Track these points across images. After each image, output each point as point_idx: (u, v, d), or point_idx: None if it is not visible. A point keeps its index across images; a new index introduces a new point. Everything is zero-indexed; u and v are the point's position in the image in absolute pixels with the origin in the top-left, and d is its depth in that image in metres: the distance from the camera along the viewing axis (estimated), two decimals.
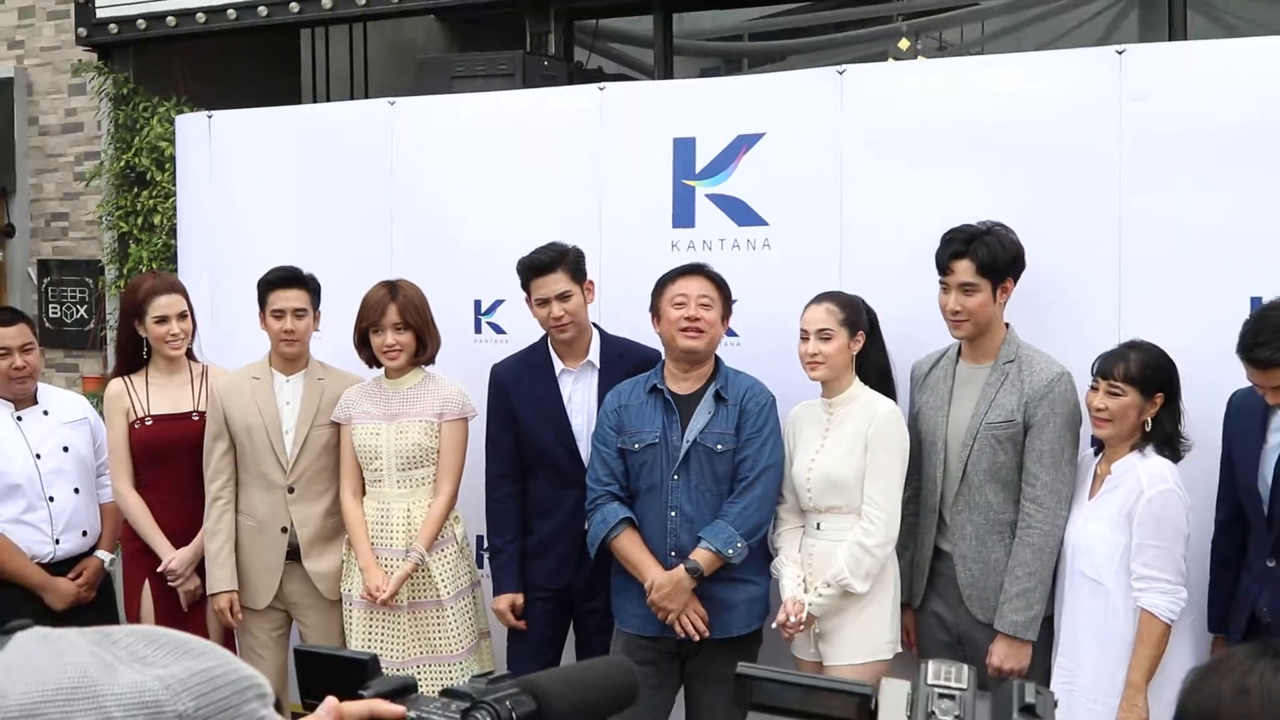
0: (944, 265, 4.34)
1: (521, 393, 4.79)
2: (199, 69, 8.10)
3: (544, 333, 4.84)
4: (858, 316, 4.44)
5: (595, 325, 4.87)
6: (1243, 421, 4.10)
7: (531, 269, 4.71)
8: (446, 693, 1.58)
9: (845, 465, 4.36)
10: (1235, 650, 1.60)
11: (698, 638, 4.38)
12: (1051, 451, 4.22)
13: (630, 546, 4.47)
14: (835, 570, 4.29)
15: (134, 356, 5.13)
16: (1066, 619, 4.21)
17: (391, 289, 4.82)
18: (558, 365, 4.81)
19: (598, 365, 4.82)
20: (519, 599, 4.78)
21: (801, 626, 4.32)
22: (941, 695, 1.56)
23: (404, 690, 1.59)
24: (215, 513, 4.94)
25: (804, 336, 4.42)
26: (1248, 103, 4.38)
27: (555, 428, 4.77)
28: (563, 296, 4.67)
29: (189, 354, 5.20)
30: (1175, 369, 4.11)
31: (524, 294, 4.78)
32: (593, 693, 1.69)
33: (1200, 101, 4.44)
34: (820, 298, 4.48)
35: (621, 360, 4.81)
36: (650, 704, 4.49)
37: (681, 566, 4.34)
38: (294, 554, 4.95)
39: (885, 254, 4.79)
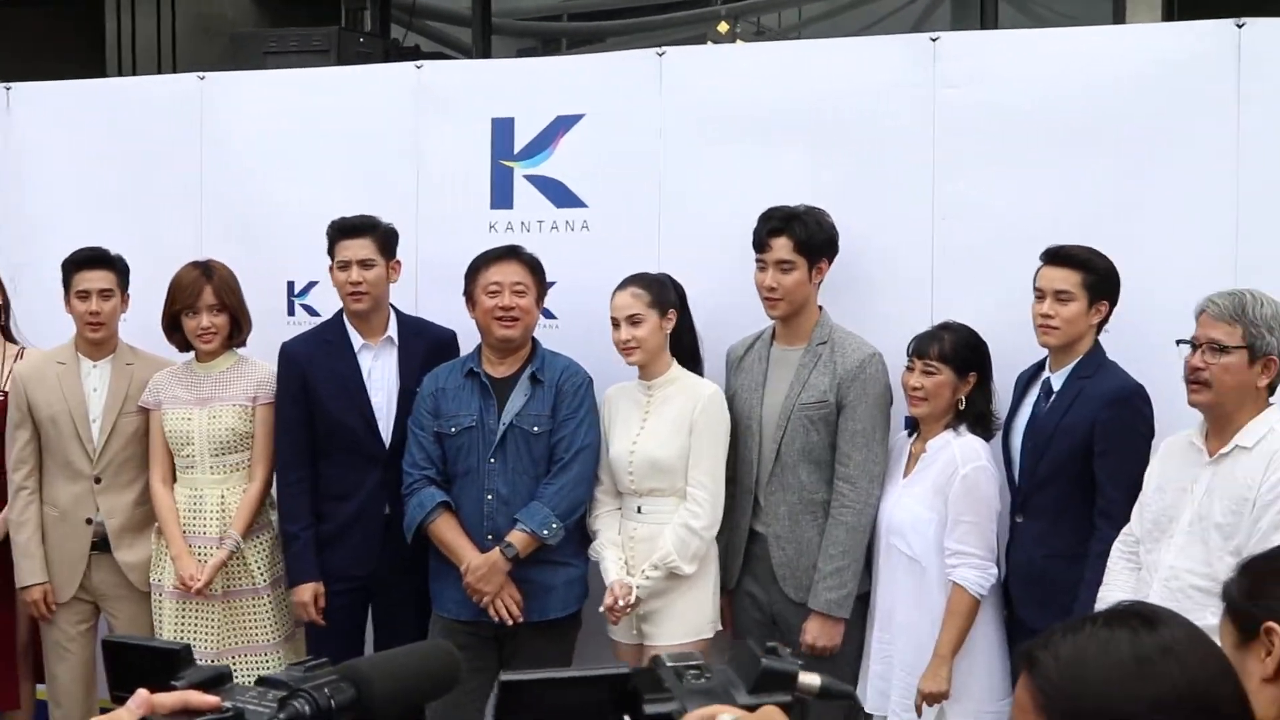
0: (761, 242, 4.42)
1: (317, 369, 4.75)
2: None
3: (339, 310, 4.84)
4: (665, 295, 4.49)
5: (392, 305, 4.89)
6: (1013, 394, 4.35)
7: (340, 230, 4.73)
8: (263, 681, 1.56)
9: (668, 448, 4.42)
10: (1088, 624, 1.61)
11: (510, 622, 4.43)
12: (864, 431, 4.34)
13: (447, 531, 4.50)
14: (663, 553, 4.36)
15: None
16: (882, 595, 4.35)
17: (205, 270, 4.77)
18: (356, 340, 4.79)
19: (397, 341, 4.82)
20: (320, 588, 4.73)
21: (629, 610, 4.39)
22: (687, 667, 1.63)
23: (218, 680, 1.56)
24: (20, 503, 4.88)
25: (615, 324, 4.47)
26: (1055, 90, 4.56)
27: (355, 404, 4.74)
28: (365, 264, 4.67)
29: (5, 333, 5.13)
30: (987, 349, 4.27)
31: (329, 261, 4.78)
32: (414, 678, 1.69)
33: (1010, 89, 4.60)
34: (625, 283, 4.52)
35: (419, 338, 4.85)
36: (468, 689, 4.20)
37: (497, 549, 4.39)
38: (102, 544, 4.89)
39: (704, 236, 4.87)
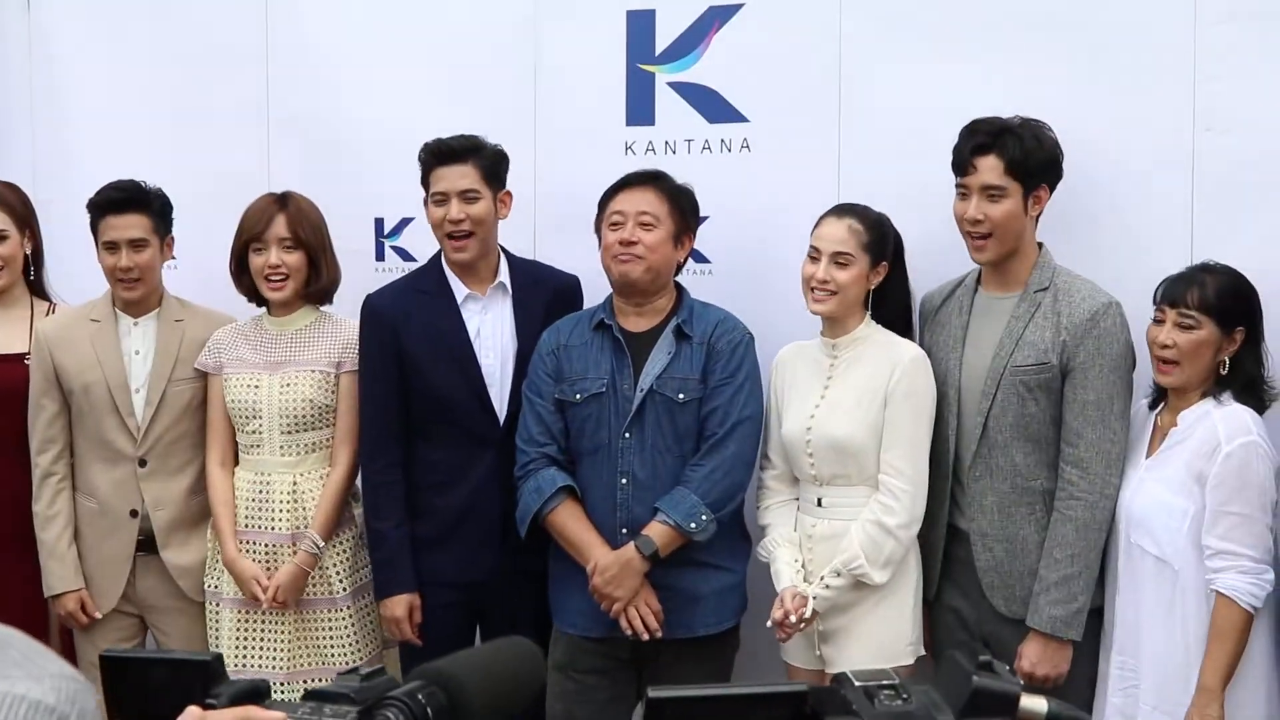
0: (963, 164, 4.19)
1: (412, 326, 4.56)
2: None
3: (436, 253, 4.69)
4: (884, 242, 4.30)
5: (502, 247, 4.72)
6: None
7: (435, 155, 4.56)
8: (312, 695, 1.57)
9: (855, 423, 4.19)
10: None
11: (646, 636, 4.23)
12: (1098, 402, 4.07)
13: (570, 522, 4.30)
14: (848, 555, 4.13)
15: None
16: (1122, 606, 4.08)
17: (280, 200, 4.68)
18: (459, 290, 4.59)
19: (510, 290, 4.65)
20: (417, 600, 4.55)
21: (802, 625, 4.14)
22: (880, 687, 1.62)
23: (255, 694, 1.59)
24: (48, 494, 4.73)
25: (813, 256, 4.25)
26: None
27: (461, 370, 4.54)
28: (468, 196, 4.49)
29: (34, 287, 5.04)
30: (1258, 298, 3.98)
31: (423, 193, 4.64)
32: (504, 680, 1.73)
33: None
34: (841, 210, 4.32)
35: (537, 287, 4.68)
36: None
37: (632, 544, 4.19)
38: (148, 544, 4.73)
39: (895, 159, 4.64)
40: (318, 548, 4.57)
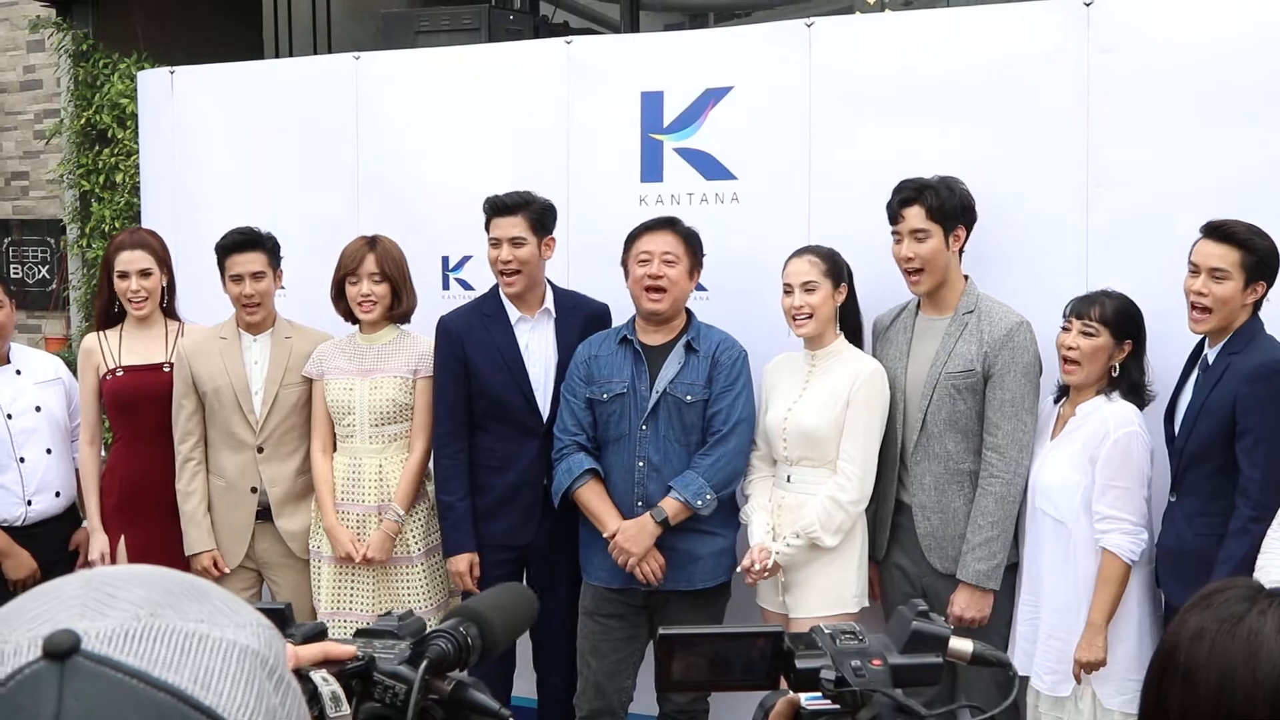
0: (895, 214, 4.51)
1: (475, 341, 4.84)
2: (159, 23, 8.15)
3: (496, 283, 4.92)
4: (839, 269, 4.58)
5: (548, 280, 4.97)
6: (1181, 371, 4.33)
7: (494, 208, 4.82)
8: (362, 633, 1.68)
9: (821, 418, 4.49)
10: (1231, 584, 1.63)
11: (654, 582, 4.53)
12: (1013, 400, 4.37)
13: (593, 498, 4.61)
14: (805, 522, 4.44)
15: (107, 311, 5.27)
16: (1028, 558, 4.39)
17: (370, 241, 4.94)
18: (513, 313, 4.88)
19: (554, 314, 4.91)
20: (476, 558, 4.84)
21: (765, 574, 4.47)
22: (842, 631, 1.75)
23: (321, 634, 1.64)
24: (187, 474, 5.07)
25: (787, 290, 4.55)
26: (1213, 54, 4.52)
27: (513, 375, 4.83)
28: (516, 242, 4.76)
29: (168, 311, 5.32)
30: (1143, 320, 4.28)
31: (485, 235, 4.89)
32: (513, 615, 1.87)
33: (1168, 53, 4.58)
34: (801, 251, 4.61)
35: (575, 311, 4.93)
36: (621, 655, 4.71)
37: (648, 513, 4.49)
38: (265, 514, 5.09)
39: (854, 208, 4.89)
40: (399, 516, 4.81)
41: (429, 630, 1.72)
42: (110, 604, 0.92)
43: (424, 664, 1.65)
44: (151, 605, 0.93)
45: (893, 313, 4.74)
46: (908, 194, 4.49)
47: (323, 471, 4.96)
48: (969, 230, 4.55)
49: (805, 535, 4.44)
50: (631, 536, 4.50)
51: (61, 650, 0.85)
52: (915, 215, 4.47)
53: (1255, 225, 4.09)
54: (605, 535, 4.56)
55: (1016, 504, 4.40)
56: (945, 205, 4.46)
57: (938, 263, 4.48)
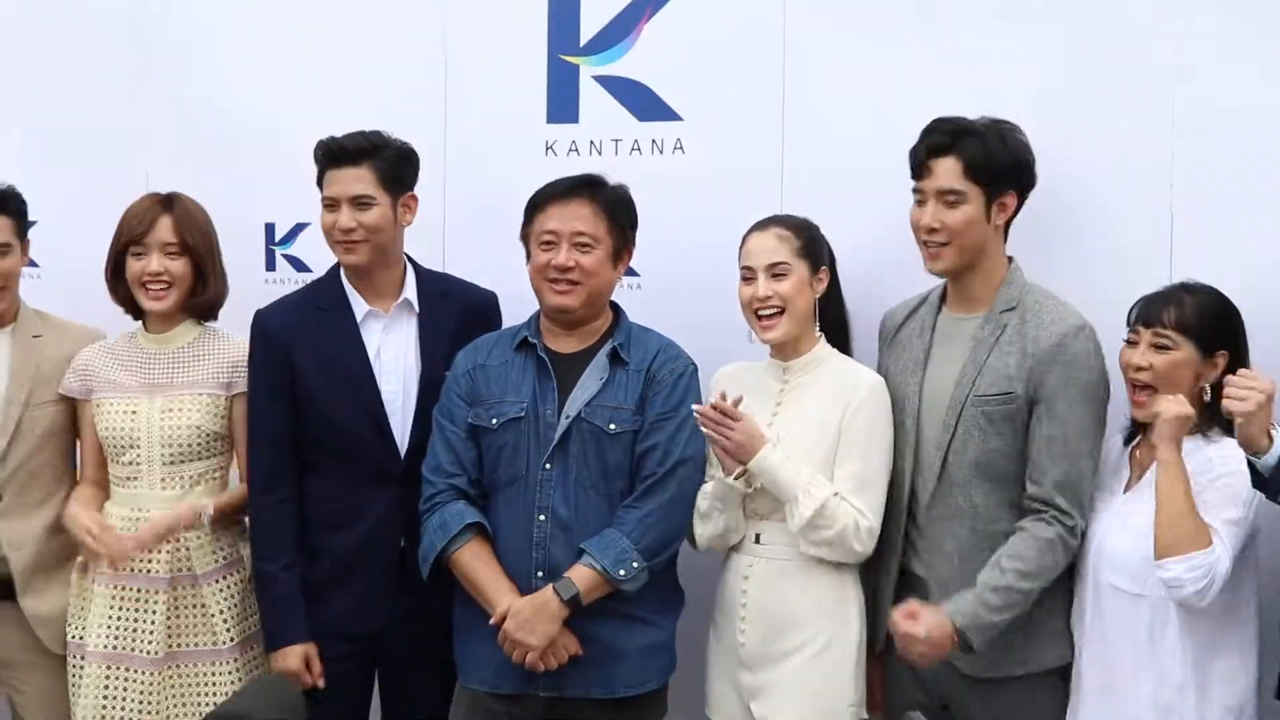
0: (919, 166, 4.06)
1: (305, 347, 4.36)
2: None
3: (334, 265, 4.52)
4: (818, 246, 4.15)
5: (408, 257, 4.56)
6: None
7: (329, 155, 4.39)
8: None
9: (806, 457, 4.00)
10: None
11: (554, 665, 4.06)
12: (1065, 437, 3.89)
13: (477, 564, 4.09)
14: (827, 497, 3.94)
15: None
16: (1093, 655, 3.93)
17: (165, 200, 4.47)
18: (359, 307, 4.41)
19: (417, 307, 4.47)
20: (313, 649, 4.32)
21: (735, 406, 3.95)
22: None
23: None
24: None
25: (747, 276, 4.13)
26: None
27: (359, 396, 4.34)
28: (360, 202, 4.31)
29: None
30: (1241, 320, 3.88)
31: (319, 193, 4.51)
32: (284, 710, 2.06)
33: None
34: (764, 222, 4.19)
35: (446, 300, 4.51)
36: None
37: (550, 587, 3.99)
38: (4, 589, 4.50)
39: (846, 160, 4.58)
40: (207, 515, 4.33)
41: None
42: None
43: None
44: None
45: (907, 307, 4.28)
46: (940, 139, 4.00)
47: (84, 492, 4.47)
48: (1022, 199, 4.07)
49: (819, 501, 3.90)
50: (525, 621, 3.95)
51: None
52: (948, 170, 3.96)
53: None
54: (493, 620, 4.02)
55: (1061, 566, 3.88)
56: (993, 160, 3.96)
57: (971, 237, 3.98)
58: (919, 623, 3.79)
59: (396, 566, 4.30)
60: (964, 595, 3.85)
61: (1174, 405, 3.65)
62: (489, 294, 4.57)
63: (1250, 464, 3.62)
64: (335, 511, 4.36)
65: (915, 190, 4.05)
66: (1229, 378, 3.67)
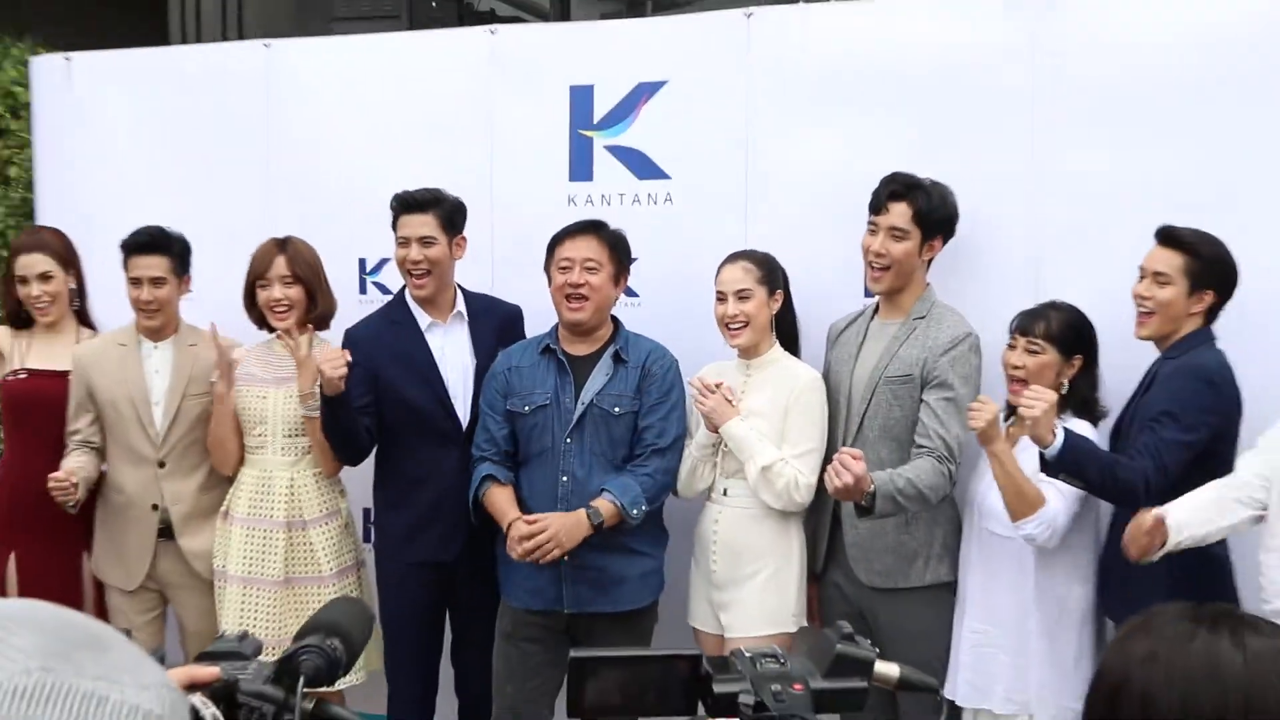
0: (879, 204, 4.48)
1: (385, 351, 4.84)
2: (53, 7, 8.03)
3: (401, 288, 4.91)
4: (774, 274, 4.60)
5: (458, 284, 4.98)
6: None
7: (402, 205, 4.83)
8: (205, 656, 1.82)
9: (759, 430, 4.51)
10: (1164, 609, 1.67)
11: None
12: (945, 409, 4.35)
13: (493, 499, 4.61)
14: (774, 456, 4.45)
15: (17, 314, 5.24)
16: (976, 585, 4.40)
17: (280, 243, 4.92)
18: (422, 319, 4.89)
19: (467, 318, 4.93)
20: (346, 354, 4.69)
21: (707, 392, 4.49)
22: (762, 654, 1.79)
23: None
24: (74, 449, 5.06)
25: (721, 298, 4.57)
26: (1160, 55, 4.53)
27: (429, 384, 4.84)
28: (425, 241, 4.79)
29: (82, 318, 5.30)
30: (1094, 332, 4.31)
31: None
32: (364, 623, 2.00)
33: (1120, 54, 4.59)
34: (734, 257, 4.62)
35: (488, 314, 4.96)
36: (539, 680, 4.71)
37: (582, 510, 4.47)
38: (166, 532, 5.03)
39: (794, 208, 4.93)
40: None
41: (294, 647, 1.83)
42: None
43: (301, 680, 1.77)
44: (44, 656, 0.90)
45: (849, 318, 4.75)
46: (898, 189, 4.48)
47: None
48: (944, 243, 4.55)
49: (750, 454, 4.45)
50: (566, 528, 4.45)
51: None
52: (900, 213, 4.46)
53: (1206, 232, 4.13)
54: (503, 528, 4.54)
55: (944, 491, 4.34)
56: (934, 213, 4.47)
57: (906, 266, 4.49)
58: (852, 469, 4.06)
59: (467, 508, 4.71)
60: (883, 473, 4.19)
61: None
62: (516, 307, 5.01)
63: (1041, 454, 3.96)
64: (417, 469, 4.82)
65: (870, 222, 4.47)
66: (1025, 390, 4.04)
